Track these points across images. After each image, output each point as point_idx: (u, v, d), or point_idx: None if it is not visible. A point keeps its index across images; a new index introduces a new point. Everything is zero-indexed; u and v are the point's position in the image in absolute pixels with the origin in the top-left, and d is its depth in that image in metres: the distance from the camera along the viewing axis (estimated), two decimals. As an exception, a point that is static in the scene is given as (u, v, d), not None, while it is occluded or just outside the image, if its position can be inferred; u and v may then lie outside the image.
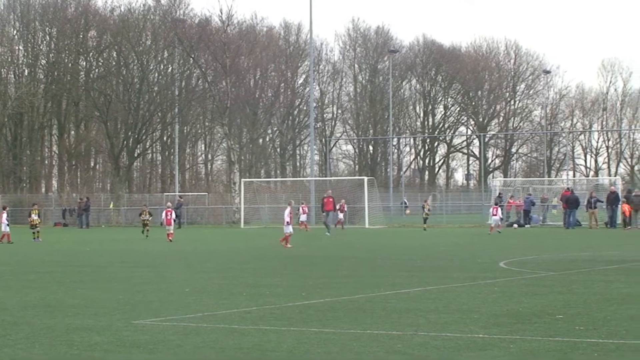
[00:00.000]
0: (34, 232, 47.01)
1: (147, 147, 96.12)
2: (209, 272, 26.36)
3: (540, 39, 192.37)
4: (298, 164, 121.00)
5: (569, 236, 48.81)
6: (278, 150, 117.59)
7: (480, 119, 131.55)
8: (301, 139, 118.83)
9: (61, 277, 24.64)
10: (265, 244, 42.27)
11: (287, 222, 38.76)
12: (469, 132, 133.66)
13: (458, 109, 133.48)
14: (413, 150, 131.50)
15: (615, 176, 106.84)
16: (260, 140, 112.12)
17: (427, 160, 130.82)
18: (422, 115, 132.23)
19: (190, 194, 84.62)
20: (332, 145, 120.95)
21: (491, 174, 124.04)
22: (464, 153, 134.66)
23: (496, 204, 55.44)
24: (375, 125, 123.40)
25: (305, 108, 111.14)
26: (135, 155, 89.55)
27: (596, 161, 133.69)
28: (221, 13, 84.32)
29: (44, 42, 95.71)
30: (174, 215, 47.64)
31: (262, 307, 17.37)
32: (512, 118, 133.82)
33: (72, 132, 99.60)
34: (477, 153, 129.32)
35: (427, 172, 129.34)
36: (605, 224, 58.46)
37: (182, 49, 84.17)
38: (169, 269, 27.68)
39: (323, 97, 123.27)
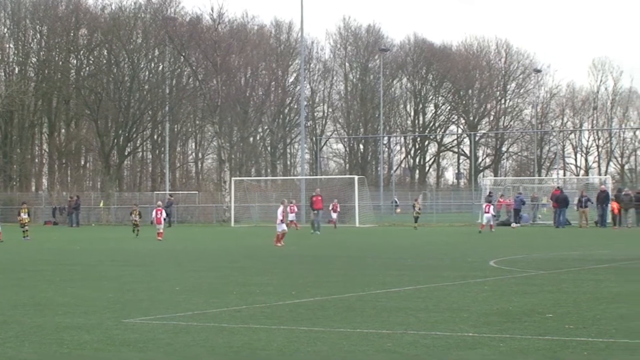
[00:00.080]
0: (24, 231, 46.92)
1: (138, 145, 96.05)
2: (199, 270, 26.35)
3: (531, 38, 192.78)
4: (288, 162, 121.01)
5: (559, 235, 48.89)
6: (269, 148, 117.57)
7: (471, 118, 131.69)
8: (292, 137, 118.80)
9: (51, 276, 24.61)
10: (255, 243, 42.26)
11: (281, 220, 38.90)
12: (460, 131, 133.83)
13: (449, 107, 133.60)
14: (403, 149, 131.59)
15: (605, 175, 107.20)
16: (251, 139, 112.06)
17: (417, 159, 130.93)
18: (412, 114, 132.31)
19: (180, 192, 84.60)
20: (322, 144, 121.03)
21: (481, 173, 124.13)
22: (454, 152, 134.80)
23: (488, 202, 55.46)
24: (366, 123, 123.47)
25: (295, 106, 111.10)
26: (126, 153, 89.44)
27: (586, 160, 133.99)
28: (212, 11, 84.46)
29: (35, 40, 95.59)
30: (164, 214, 47.60)
31: (252, 305, 17.37)
32: (503, 117, 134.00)
33: (63, 131, 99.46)
34: (467, 152, 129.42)
35: (417, 171, 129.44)
36: (595, 223, 58.55)
37: (173, 47, 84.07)
38: (159, 268, 27.65)
39: (314, 96, 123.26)
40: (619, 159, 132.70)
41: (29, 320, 15.54)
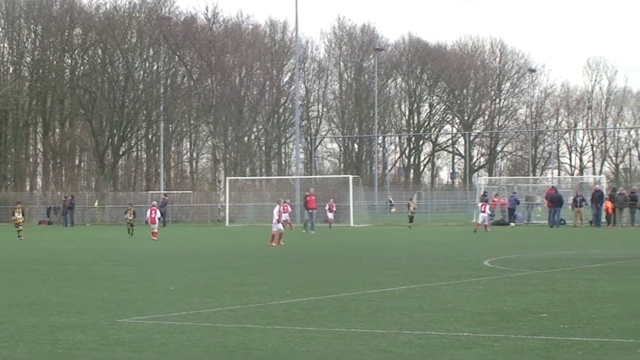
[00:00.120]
0: (18, 231, 46.85)
1: (132, 145, 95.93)
2: (194, 270, 26.33)
3: (525, 38, 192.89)
4: (283, 162, 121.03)
5: (553, 235, 48.91)
6: (263, 148, 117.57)
7: (466, 118, 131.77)
8: (286, 137, 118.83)
9: (46, 276, 24.58)
10: (250, 243, 42.23)
11: (277, 220, 38.89)
12: (454, 130, 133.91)
13: (443, 107, 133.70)
14: (398, 148, 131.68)
15: (600, 174, 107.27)
16: (246, 139, 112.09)
17: (412, 159, 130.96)
18: (407, 113, 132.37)
19: (175, 192, 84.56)
20: (317, 144, 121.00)
21: (476, 173, 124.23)
22: (449, 151, 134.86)
23: (484, 201, 55.52)
24: (361, 123, 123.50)
25: (290, 106, 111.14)
26: (120, 153, 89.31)
27: (581, 160, 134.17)
28: (207, 11, 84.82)
29: (29, 39, 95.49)
30: (158, 214, 47.55)
31: (246, 305, 17.37)
32: (497, 116, 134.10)
33: (57, 130, 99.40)
34: (462, 151, 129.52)
35: (412, 171, 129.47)
36: (590, 223, 58.59)
37: (168, 46, 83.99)
38: (153, 268, 27.63)
39: (308, 95, 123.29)
40: (614, 158, 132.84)
41: (23, 320, 15.52)
